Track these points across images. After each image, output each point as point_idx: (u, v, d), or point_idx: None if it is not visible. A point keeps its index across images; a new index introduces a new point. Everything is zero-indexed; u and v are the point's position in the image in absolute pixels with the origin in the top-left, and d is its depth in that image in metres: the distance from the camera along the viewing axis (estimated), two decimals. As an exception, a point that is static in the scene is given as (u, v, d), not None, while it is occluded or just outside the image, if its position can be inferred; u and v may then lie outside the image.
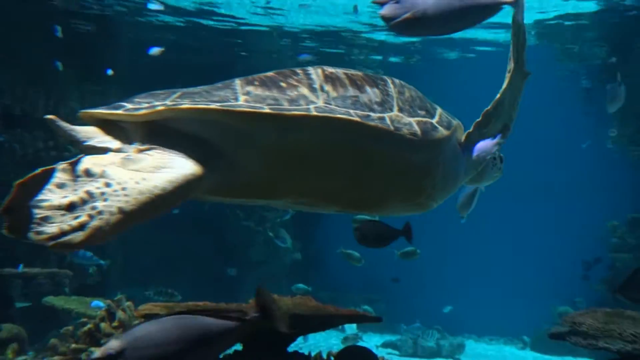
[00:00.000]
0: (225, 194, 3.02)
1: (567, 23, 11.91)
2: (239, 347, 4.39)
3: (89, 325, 5.51)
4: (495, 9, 2.71)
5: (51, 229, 2.28)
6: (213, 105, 2.62)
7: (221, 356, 4.29)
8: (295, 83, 2.89)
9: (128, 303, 5.78)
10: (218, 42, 12.49)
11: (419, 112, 3.18)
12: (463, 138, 3.44)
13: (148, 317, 4.41)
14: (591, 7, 11.14)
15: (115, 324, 5.50)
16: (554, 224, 12.43)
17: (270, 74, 2.93)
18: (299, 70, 2.98)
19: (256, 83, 2.82)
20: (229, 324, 2.03)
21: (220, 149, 2.74)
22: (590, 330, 4.31)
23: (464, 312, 13.13)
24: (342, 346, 4.78)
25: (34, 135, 9.28)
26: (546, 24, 12.00)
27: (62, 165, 2.42)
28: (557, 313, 12.04)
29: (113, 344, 1.99)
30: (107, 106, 2.66)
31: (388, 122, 2.97)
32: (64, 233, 2.29)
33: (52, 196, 2.35)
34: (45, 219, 2.29)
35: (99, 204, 2.37)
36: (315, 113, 2.79)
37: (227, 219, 11.19)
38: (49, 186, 2.37)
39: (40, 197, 2.33)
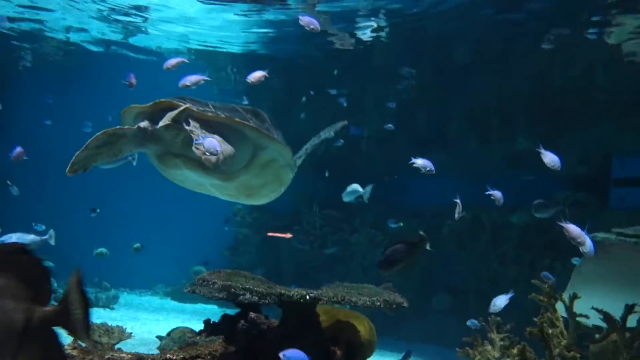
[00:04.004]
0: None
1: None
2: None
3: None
4: None
5: (199, 151, 3.82)
6: (251, 123, 4.18)
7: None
8: (241, 111, 4.32)
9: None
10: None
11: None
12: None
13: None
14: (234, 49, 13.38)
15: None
16: (198, 205, 13.24)
17: (250, 108, 4.44)
18: (240, 108, 4.39)
19: (249, 114, 4.27)
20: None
21: (232, 141, 4.15)
22: (215, 285, 4.85)
23: (119, 270, 13.51)
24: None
25: None
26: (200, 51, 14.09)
27: (191, 121, 3.95)
28: (192, 271, 13.20)
29: None
30: (178, 99, 4.04)
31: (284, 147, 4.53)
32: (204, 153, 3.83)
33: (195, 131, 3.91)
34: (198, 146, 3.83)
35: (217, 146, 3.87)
36: (266, 133, 4.28)
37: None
38: (190, 127, 3.92)
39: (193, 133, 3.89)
